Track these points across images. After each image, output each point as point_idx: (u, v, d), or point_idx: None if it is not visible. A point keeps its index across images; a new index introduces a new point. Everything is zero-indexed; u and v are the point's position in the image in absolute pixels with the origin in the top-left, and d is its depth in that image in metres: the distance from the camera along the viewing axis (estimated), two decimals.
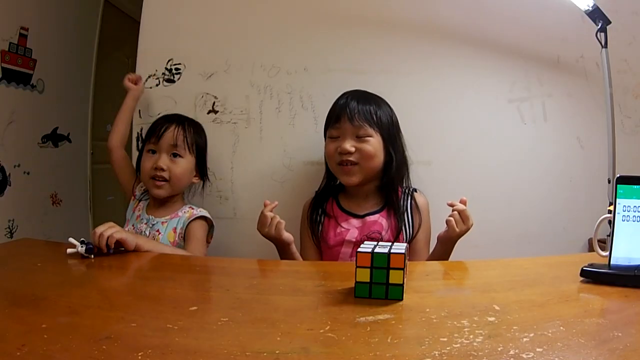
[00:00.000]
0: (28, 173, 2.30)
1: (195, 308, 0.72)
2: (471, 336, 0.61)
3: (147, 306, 0.77)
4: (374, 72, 1.64)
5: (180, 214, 1.47)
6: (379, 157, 1.37)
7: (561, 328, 0.63)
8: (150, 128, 1.48)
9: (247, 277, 0.93)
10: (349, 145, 1.33)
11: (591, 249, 1.23)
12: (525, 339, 0.59)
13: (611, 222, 0.88)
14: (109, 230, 1.11)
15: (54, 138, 2.53)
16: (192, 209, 1.49)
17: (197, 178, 1.54)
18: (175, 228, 1.44)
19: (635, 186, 0.86)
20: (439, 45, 1.66)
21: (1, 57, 2.09)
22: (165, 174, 1.42)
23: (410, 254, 1.37)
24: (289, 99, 1.66)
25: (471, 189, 1.57)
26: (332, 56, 1.66)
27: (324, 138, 1.45)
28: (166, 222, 1.45)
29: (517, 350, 0.56)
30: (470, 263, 1.07)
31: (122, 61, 3.18)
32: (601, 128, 1.52)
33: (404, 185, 1.45)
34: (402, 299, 0.76)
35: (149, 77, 1.68)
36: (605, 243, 0.98)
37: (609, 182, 1.43)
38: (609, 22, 1.44)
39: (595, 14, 1.44)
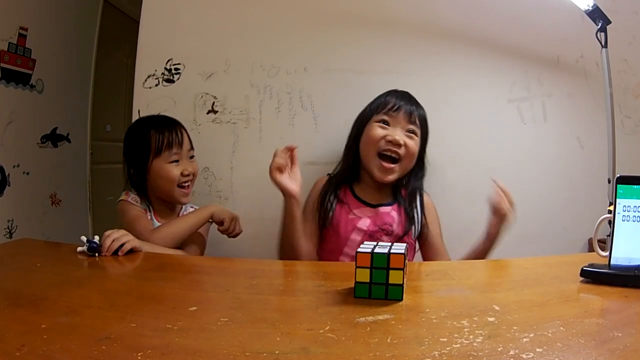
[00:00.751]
0: (27, 173, 2.30)
1: (195, 308, 0.72)
2: (471, 336, 0.61)
3: (146, 306, 0.77)
4: (374, 72, 1.64)
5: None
6: (415, 158, 1.37)
7: (561, 328, 0.63)
8: (158, 138, 1.37)
9: (247, 277, 0.93)
10: (400, 136, 1.32)
11: (591, 249, 1.22)
12: (525, 339, 0.59)
13: (611, 222, 0.88)
14: (122, 238, 1.09)
15: (54, 138, 2.53)
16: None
17: None
18: None
19: (635, 186, 0.86)
20: (439, 45, 1.66)
21: (0, 57, 2.09)
22: (191, 177, 1.42)
23: (427, 248, 1.37)
24: (289, 99, 1.66)
25: (471, 189, 1.58)
26: (332, 56, 1.66)
27: (358, 122, 1.42)
28: None
29: (517, 351, 0.56)
30: (470, 263, 1.07)
31: (122, 61, 3.17)
32: (601, 128, 1.52)
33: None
34: (401, 299, 0.76)
35: (149, 77, 1.68)
36: (605, 243, 0.98)
37: (609, 182, 1.43)
38: (609, 22, 1.44)
39: (595, 14, 1.44)
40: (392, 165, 1.33)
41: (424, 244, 1.40)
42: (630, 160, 1.58)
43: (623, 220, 0.86)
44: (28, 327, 0.63)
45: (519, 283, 0.87)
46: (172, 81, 1.68)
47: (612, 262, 0.86)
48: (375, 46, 1.66)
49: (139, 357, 0.54)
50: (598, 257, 0.91)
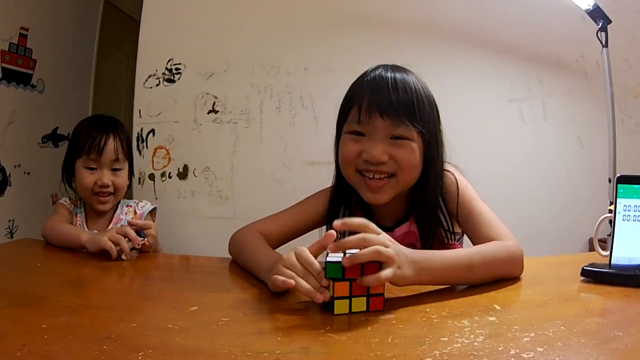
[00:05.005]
0: (28, 173, 2.30)
1: (195, 308, 0.72)
2: (472, 336, 0.61)
3: (147, 306, 0.77)
4: None
5: (122, 216, 1.41)
6: (419, 167, 0.97)
7: (562, 328, 0.63)
8: (83, 140, 1.34)
9: (247, 276, 0.93)
10: (380, 151, 0.92)
11: (592, 248, 1.23)
12: (526, 339, 0.59)
13: (612, 222, 0.88)
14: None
15: (54, 138, 2.53)
16: (130, 206, 1.43)
17: (128, 179, 1.46)
18: None
19: (635, 186, 0.86)
20: (440, 45, 1.66)
21: (1, 57, 2.09)
22: (110, 189, 1.35)
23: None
24: (289, 98, 1.66)
25: None
26: (332, 56, 1.66)
27: (337, 129, 1.04)
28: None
29: (517, 350, 0.56)
30: None
31: (122, 61, 3.18)
32: (602, 127, 1.52)
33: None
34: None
35: (149, 77, 1.68)
36: (606, 242, 0.98)
37: (610, 181, 1.43)
38: (610, 22, 1.44)
39: (596, 13, 1.44)
40: (381, 183, 0.95)
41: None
42: (631, 159, 1.58)
43: (624, 220, 0.86)
44: (29, 327, 0.63)
45: (520, 283, 0.87)
46: (173, 81, 1.68)
47: (612, 262, 0.86)
48: (376, 46, 1.66)
49: (140, 357, 0.54)
50: (599, 256, 0.91)
